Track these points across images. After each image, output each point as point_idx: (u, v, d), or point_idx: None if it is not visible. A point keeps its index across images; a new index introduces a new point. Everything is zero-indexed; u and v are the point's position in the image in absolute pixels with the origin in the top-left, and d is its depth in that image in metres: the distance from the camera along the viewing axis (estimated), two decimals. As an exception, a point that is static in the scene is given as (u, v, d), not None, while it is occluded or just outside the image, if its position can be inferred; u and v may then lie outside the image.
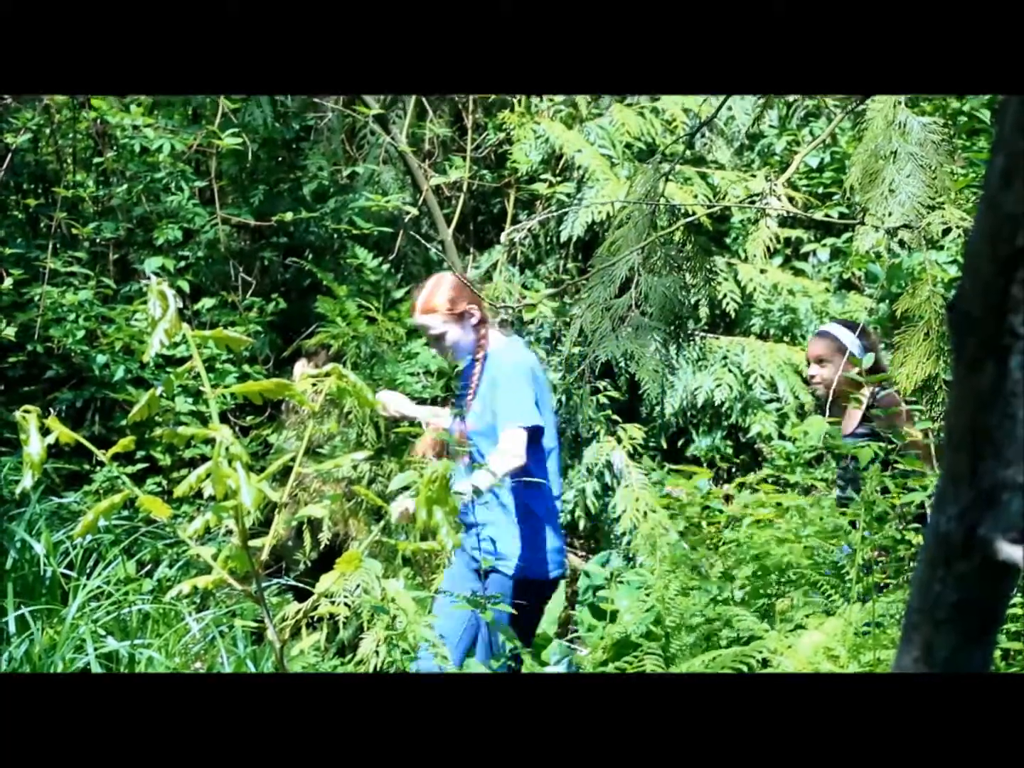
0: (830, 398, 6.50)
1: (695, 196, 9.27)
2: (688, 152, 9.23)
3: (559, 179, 9.78)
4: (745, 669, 4.30)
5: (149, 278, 8.98)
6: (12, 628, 6.70)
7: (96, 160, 10.22)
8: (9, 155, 9.73)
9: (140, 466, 8.94)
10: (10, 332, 9.24)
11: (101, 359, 9.21)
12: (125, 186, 10.03)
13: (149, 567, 7.98)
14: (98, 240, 10.23)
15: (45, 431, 2.88)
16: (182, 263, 9.92)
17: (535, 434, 5.94)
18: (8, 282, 9.45)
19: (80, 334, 9.27)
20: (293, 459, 3.19)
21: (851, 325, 6.65)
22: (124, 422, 9.34)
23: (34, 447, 2.84)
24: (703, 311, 9.43)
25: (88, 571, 7.65)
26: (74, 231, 10.00)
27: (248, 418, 9.52)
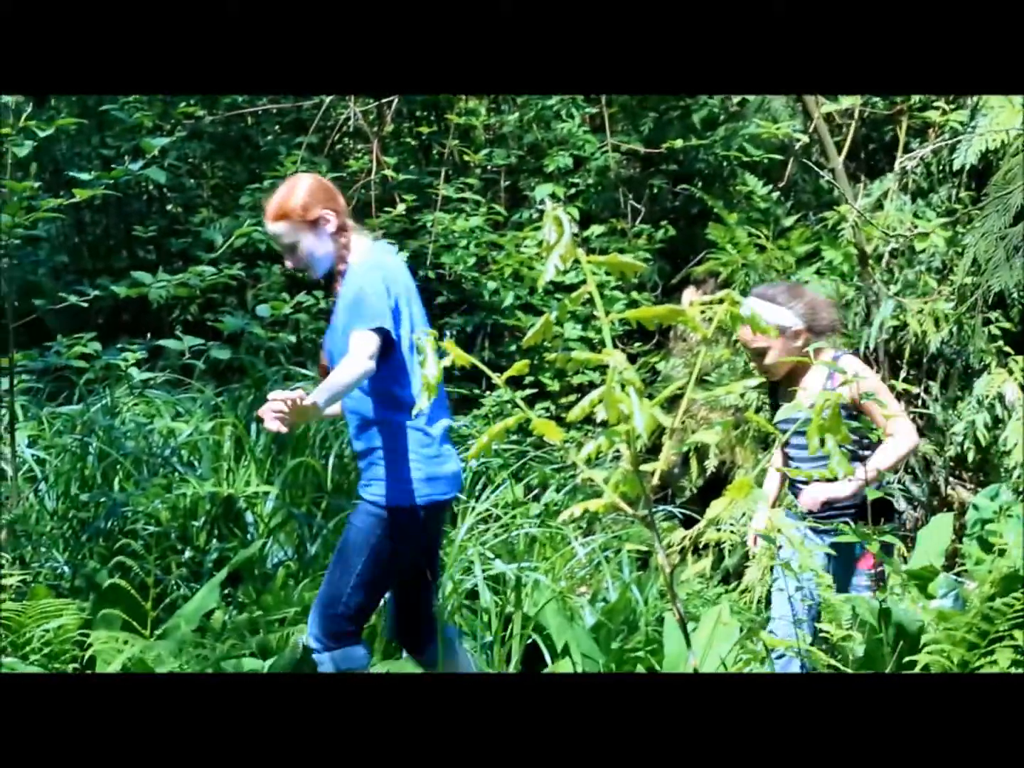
0: (779, 380, 5.71)
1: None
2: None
3: (952, 107, 9.46)
4: None
5: (542, 204, 9.05)
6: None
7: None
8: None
9: (529, 391, 9.05)
10: (402, 257, 9.46)
11: (491, 285, 9.34)
12: (516, 113, 10.14)
13: (536, 491, 8.07)
14: (489, 167, 10.37)
15: (440, 354, 2.91)
16: (572, 190, 9.97)
17: (390, 345, 5.10)
18: (401, 208, 9.67)
19: (471, 260, 9.43)
20: (683, 386, 3.15)
21: (773, 291, 5.64)
22: (515, 347, 9.47)
23: (431, 369, 2.87)
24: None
25: (477, 494, 7.79)
26: (465, 158, 10.17)
27: (636, 345, 9.53)
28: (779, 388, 5.68)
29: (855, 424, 5.21)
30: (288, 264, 5.43)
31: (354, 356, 4.93)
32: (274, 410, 4.59)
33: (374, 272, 5.17)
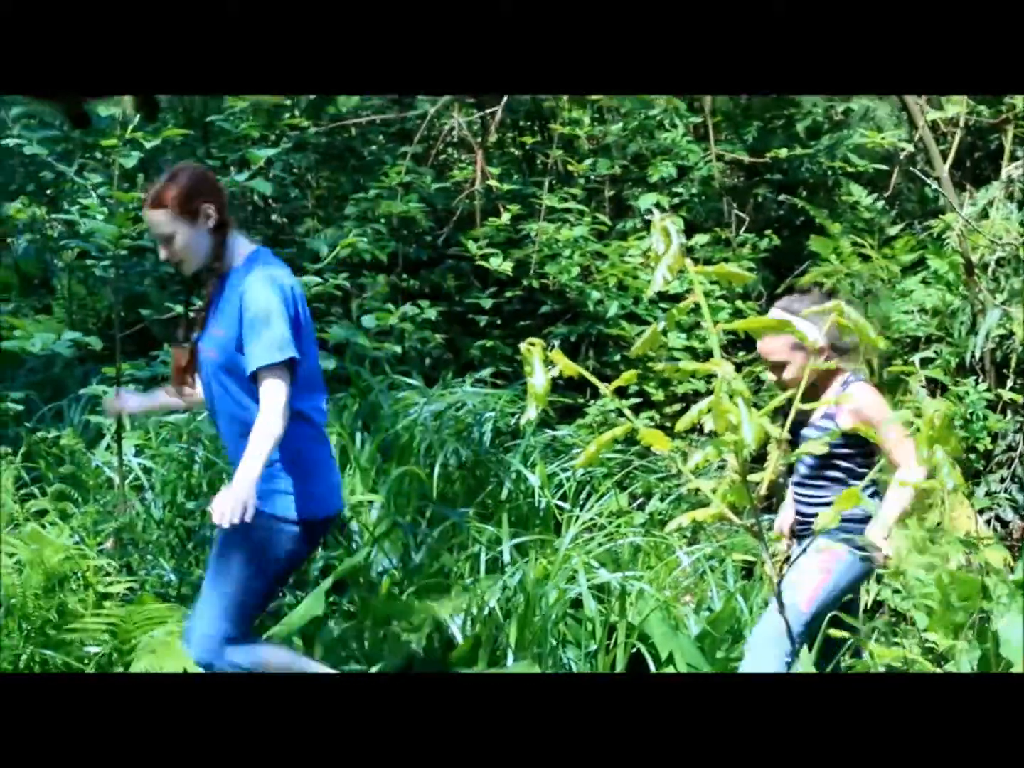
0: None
1: None
2: None
3: (1059, 114, 9.38)
4: None
5: (651, 212, 9.04)
6: (507, 557, 6.89)
7: (592, 97, 10.35)
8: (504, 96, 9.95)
9: (633, 400, 9.04)
10: (507, 267, 9.49)
11: (595, 295, 9.35)
12: (620, 123, 10.14)
13: (641, 500, 8.07)
14: (593, 177, 10.38)
15: (547, 364, 2.91)
16: (676, 199, 9.96)
17: (294, 366, 4.93)
18: (505, 218, 9.70)
19: (575, 270, 9.44)
20: (789, 396, 3.15)
21: (798, 303, 5.40)
22: (619, 356, 9.47)
23: (538, 379, 2.87)
24: None
25: (581, 503, 7.79)
26: (569, 168, 10.18)
27: (740, 354, 9.51)
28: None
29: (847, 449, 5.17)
30: (162, 256, 5.14)
31: (271, 410, 4.80)
32: (221, 511, 4.60)
33: (272, 287, 4.95)
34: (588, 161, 10.11)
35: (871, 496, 5.28)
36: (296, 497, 5.05)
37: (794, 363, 5.28)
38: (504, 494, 7.80)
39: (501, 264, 9.46)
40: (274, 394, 4.82)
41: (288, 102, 10.68)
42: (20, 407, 8.30)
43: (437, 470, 7.94)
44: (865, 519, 5.24)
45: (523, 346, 2.88)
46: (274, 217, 12.47)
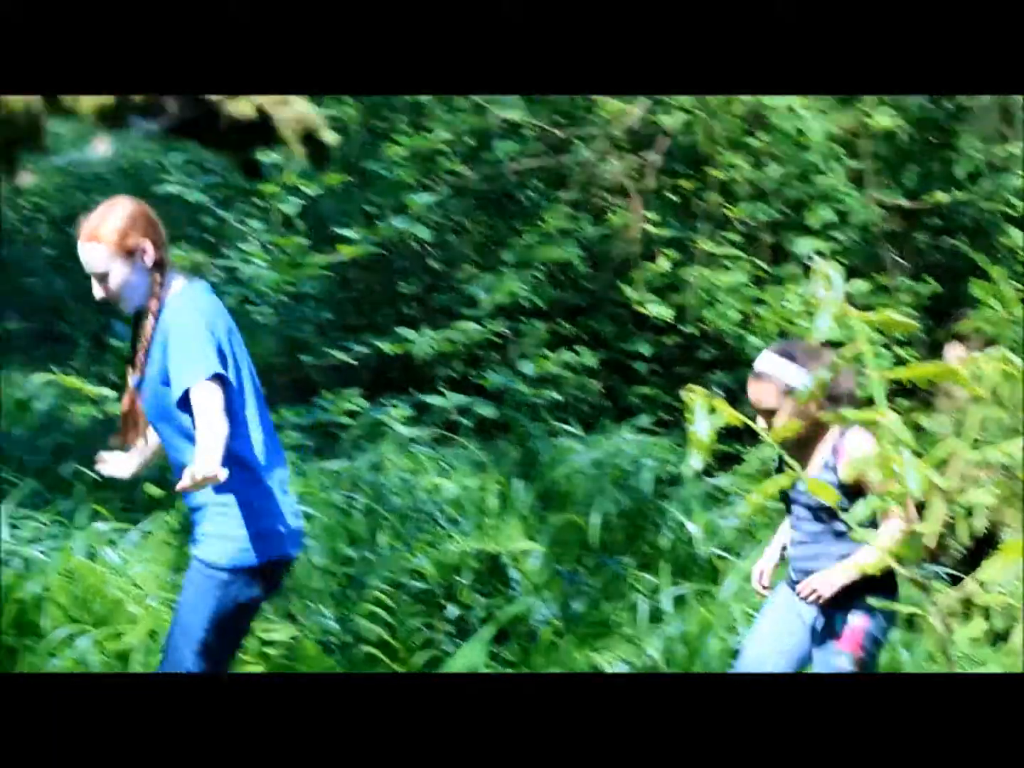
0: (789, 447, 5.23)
1: None
2: None
3: None
4: None
5: (810, 258, 8.98)
6: (668, 606, 6.85)
7: (749, 142, 10.31)
8: (666, 138, 9.95)
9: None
10: (666, 313, 9.47)
11: (754, 341, 9.28)
12: (779, 168, 10.08)
13: (800, 549, 7.97)
14: (751, 222, 10.32)
15: (710, 411, 2.89)
16: (834, 244, 9.87)
17: (228, 396, 4.64)
18: (663, 263, 9.68)
19: (734, 316, 9.38)
20: (954, 445, 3.11)
21: (792, 348, 5.23)
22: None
23: (701, 427, 2.86)
24: None
25: (738, 552, 7.73)
26: (727, 213, 10.13)
27: (898, 399, 9.38)
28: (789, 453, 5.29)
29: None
30: (97, 294, 4.83)
31: (208, 412, 4.52)
32: (186, 488, 4.34)
33: (192, 314, 4.72)
34: (746, 206, 10.06)
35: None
36: (234, 542, 4.76)
37: (783, 410, 5.07)
38: (667, 543, 7.76)
39: (660, 310, 9.44)
40: (206, 399, 4.54)
41: (445, 148, 10.76)
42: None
43: (597, 518, 7.93)
44: (886, 584, 5.03)
45: (685, 393, 2.87)
46: (432, 263, 12.55)
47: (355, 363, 8.24)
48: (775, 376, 5.09)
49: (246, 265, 7.47)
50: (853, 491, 4.70)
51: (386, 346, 7.83)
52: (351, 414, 8.30)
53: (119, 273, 4.73)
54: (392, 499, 8.13)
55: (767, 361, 5.15)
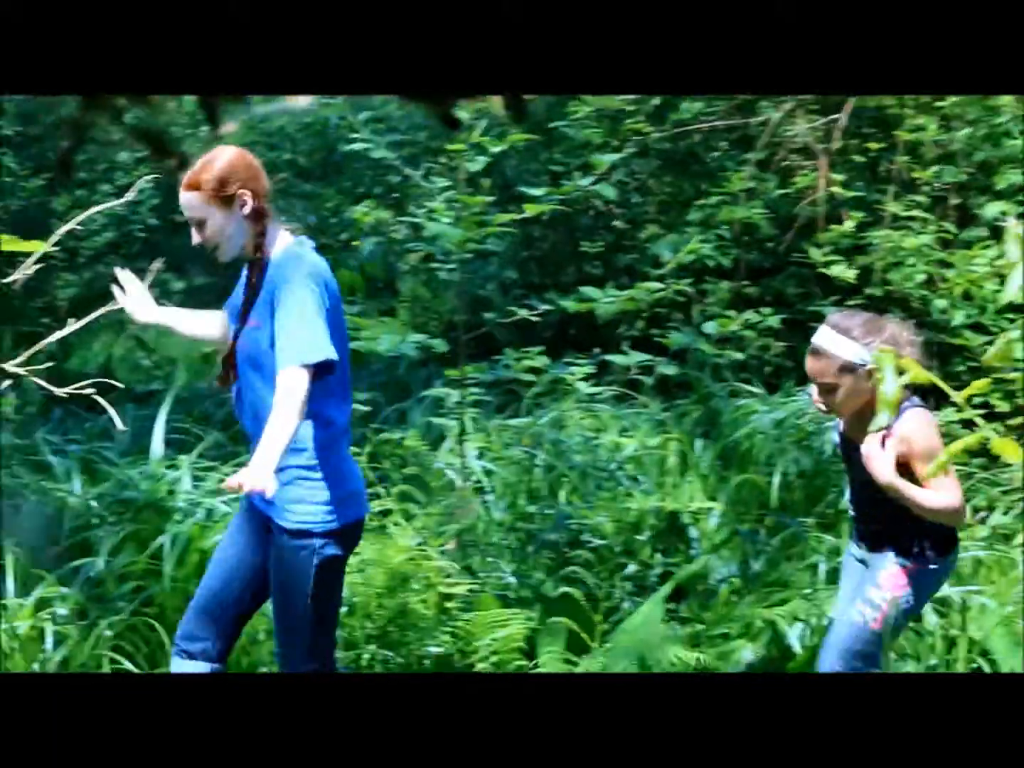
0: (847, 420, 5.15)
1: None
2: None
3: None
4: None
5: (1001, 219, 8.86)
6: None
7: (937, 104, 10.18)
8: (852, 99, 9.86)
9: (976, 412, 8.85)
10: (850, 275, 9.42)
11: (940, 304, 9.19)
12: (967, 130, 9.95)
13: (983, 513, 7.91)
14: (938, 184, 10.21)
15: (899, 372, 2.90)
16: (1023, 208, 9.72)
17: (327, 367, 4.58)
18: (849, 225, 9.62)
19: (919, 278, 9.29)
20: None
21: (850, 323, 5.00)
22: (964, 367, 9.29)
23: (889, 387, 2.87)
24: None
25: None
26: (914, 175, 10.03)
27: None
28: (847, 428, 5.20)
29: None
30: (194, 240, 4.85)
31: (287, 405, 4.42)
32: (231, 488, 4.22)
33: (307, 283, 4.64)
34: (933, 168, 9.95)
35: (931, 525, 5.00)
36: (315, 507, 4.75)
37: (844, 386, 4.94)
38: (844, 504, 7.74)
39: (844, 272, 9.38)
40: (293, 390, 4.44)
41: (631, 107, 10.77)
42: (366, 408, 8.55)
43: (777, 478, 7.93)
44: (939, 535, 5.05)
45: (875, 354, 2.88)
46: (616, 223, 12.58)
47: (538, 321, 8.28)
48: (832, 352, 4.95)
49: (430, 222, 7.54)
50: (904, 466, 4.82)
51: (570, 304, 7.85)
52: (534, 371, 8.35)
53: (216, 220, 4.76)
54: (573, 457, 8.20)
55: (824, 336, 5.01)
